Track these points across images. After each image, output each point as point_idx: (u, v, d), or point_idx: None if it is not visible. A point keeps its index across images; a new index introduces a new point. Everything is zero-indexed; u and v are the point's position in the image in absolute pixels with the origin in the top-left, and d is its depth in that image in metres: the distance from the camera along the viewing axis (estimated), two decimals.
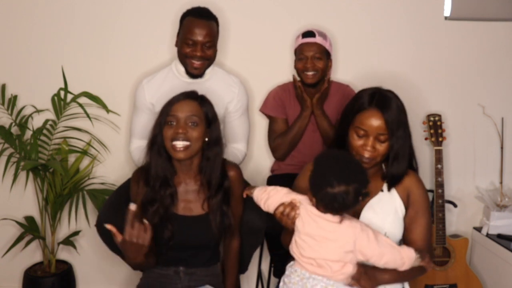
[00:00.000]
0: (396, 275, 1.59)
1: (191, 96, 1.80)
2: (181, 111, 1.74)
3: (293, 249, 1.57)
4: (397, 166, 1.66)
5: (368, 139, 1.62)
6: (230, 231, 1.84)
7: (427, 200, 1.73)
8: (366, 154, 1.62)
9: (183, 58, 2.18)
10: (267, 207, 1.64)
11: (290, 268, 1.59)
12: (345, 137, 1.68)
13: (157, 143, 1.77)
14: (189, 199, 1.81)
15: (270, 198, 1.63)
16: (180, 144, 1.71)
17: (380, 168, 1.72)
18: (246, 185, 1.95)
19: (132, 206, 1.60)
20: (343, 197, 1.47)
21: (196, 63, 2.16)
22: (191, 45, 2.14)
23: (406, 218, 1.70)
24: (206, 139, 1.78)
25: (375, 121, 1.61)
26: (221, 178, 1.81)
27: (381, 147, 1.62)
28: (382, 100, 1.63)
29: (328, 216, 1.52)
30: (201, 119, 1.75)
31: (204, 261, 1.84)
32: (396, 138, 1.62)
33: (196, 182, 1.82)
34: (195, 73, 2.20)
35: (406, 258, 1.53)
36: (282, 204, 1.58)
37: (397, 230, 1.68)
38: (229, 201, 1.82)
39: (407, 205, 1.70)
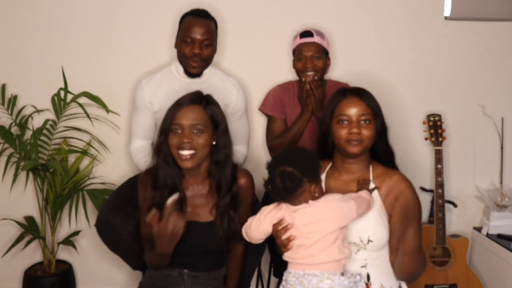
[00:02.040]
0: None
1: (196, 100, 1.74)
2: (186, 118, 1.68)
3: (287, 253, 1.58)
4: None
5: (352, 124, 1.64)
6: (236, 237, 1.80)
7: (418, 209, 1.67)
8: (353, 137, 1.63)
9: (183, 58, 2.20)
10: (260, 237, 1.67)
11: (285, 273, 1.60)
12: (327, 137, 1.71)
13: (163, 151, 1.73)
14: (197, 204, 1.78)
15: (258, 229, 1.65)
16: (186, 152, 1.67)
17: (366, 171, 1.70)
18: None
19: (174, 196, 1.66)
20: (283, 180, 1.53)
21: (194, 63, 2.18)
22: (190, 43, 2.16)
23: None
24: (214, 142, 1.74)
25: (355, 105, 1.65)
26: (231, 183, 1.76)
27: (367, 131, 1.64)
28: (358, 89, 1.71)
29: (303, 205, 1.55)
30: (206, 125, 1.70)
31: (208, 266, 1.82)
32: (380, 120, 1.67)
33: (205, 187, 1.78)
34: (193, 72, 2.21)
35: (370, 199, 1.60)
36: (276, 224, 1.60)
37: (382, 232, 1.63)
38: (236, 206, 1.78)
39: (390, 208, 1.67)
